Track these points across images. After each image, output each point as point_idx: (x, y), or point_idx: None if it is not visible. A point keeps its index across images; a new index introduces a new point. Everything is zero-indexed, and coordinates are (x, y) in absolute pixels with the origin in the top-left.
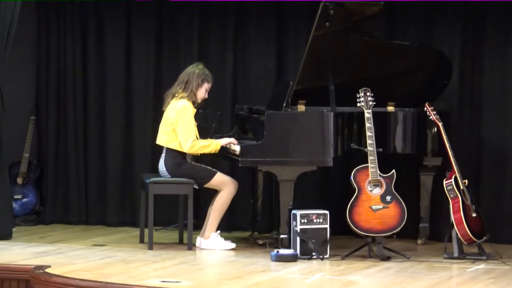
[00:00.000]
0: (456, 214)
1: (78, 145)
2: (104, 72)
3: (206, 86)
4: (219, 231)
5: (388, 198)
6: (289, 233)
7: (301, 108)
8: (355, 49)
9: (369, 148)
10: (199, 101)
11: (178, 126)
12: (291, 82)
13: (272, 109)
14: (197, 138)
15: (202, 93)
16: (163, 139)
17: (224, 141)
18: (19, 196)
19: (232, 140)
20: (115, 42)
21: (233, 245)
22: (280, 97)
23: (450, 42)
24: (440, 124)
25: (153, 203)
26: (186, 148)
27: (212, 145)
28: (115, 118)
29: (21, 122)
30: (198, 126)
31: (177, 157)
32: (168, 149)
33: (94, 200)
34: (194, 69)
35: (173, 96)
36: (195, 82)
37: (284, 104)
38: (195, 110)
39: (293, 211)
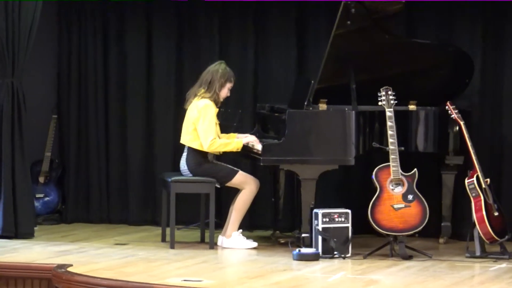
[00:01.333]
0: (478, 213)
1: (100, 144)
2: (125, 71)
3: (229, 85)
4: (240, 230)
5: (410, 197)
6: (310, 232)
7: (323, 106)
8: (376, 47)
9: (391, 146)
10: (222, 100)
11: (199, 124)
12: (312, 81)
13: (293, 108)
14: (218, 137)
15: (224, 92)
16: (186, 138)
17: (247, 139)
18: (41, 195)
19: (254, 138)
20: (136, 41)
21: (255, 244)
22: (301, 96)
23: (471, 40)
24: (461, 122)
25: (174, 202)
26: (205, 146)
27: (233, 144)
28: (137, 117)
29: (43, 121)
30: (219, 125)
31: (198, 156)
32: (190, 148)
33: (115, 198)
34: (217, 68)
35: (195, 96)
36: (218, 82)
37: (306, 103)
38: (217, 109)
39: (315, 210)
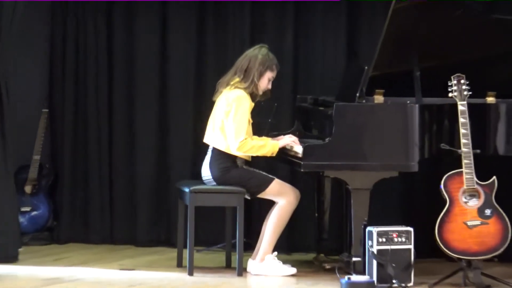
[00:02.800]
0: None
1: (101, 146)
2: (133, 58)
3: (270, 75)
4: (276, 253)
5: (488, 211)
6: (363, 255)
7: (379, 99)
8: (446, 26)
9: (464, 149)
10: (261, 93)
11: (228, 120)
12: (365, 67)
13: (342, 101)
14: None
15: (264, 83)
16: (210, 137)
17: (284, 141)
18: (28, 209)
19: (293, 139)
20: (147, 22)
21: (294, 270)
22: (352, 86)
23: None
24: None
25: (193, 217)
26: (234, 148)
27: (268, 146)
28: (147, 114)
29: (31, 117)
30: (252, 124)
31: (225, 160)
32: (214, 149)
33: (120, 213)
34: (256, 54)
35: (228, 85)
36: (257, 70)
37: (358, 94)
38: (253, 104)
39: (368, 228)
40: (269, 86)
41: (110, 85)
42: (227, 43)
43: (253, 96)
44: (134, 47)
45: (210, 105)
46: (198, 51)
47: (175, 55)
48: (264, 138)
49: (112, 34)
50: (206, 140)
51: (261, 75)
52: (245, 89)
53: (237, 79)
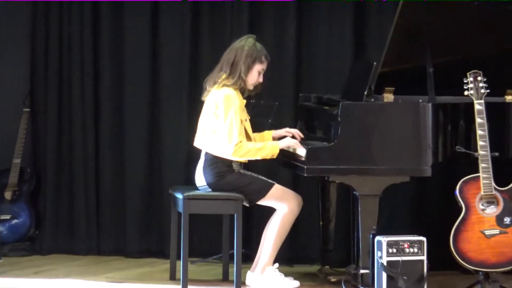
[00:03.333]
0: None
1: (87, 148)
2: (122, 53)
3: (259, 67)
4: (277, 264)
5: (507, 220)
6: (372, 267)
7: (389, 97)
8: (461, 18)
9: (481, 151)
10: (251, 87)
11: (218, 123)
12: (374, 63)
13: (349, 99)
14: (251, 139)
15: (253, 77)
16: (201, 141)
17: (285, 142)
18: (8, 217)
19: (295, 140)
20: (137, 11)
21: (297, 284)
22: (359, 83)
23: None
24: None
25: (188, 225)
26: (228, 153)
27: (267, 148)
28: (137, 113)
29: (11, 117)
30: (251, 121)
31: (220, 164)
32: (207, 154)
33: (108, 222)
34: (242, 45)
35: (215, 83)
36: (244, 64)
37: (366, 92)
38: (245, 101)
39: (378, 237)
40: (260, 80)
41: (97, 83)
42: (223, 38)
43: (243, 92)
44: (122, 43)
45: (202, 106)
46: (192, 44)
47: (168, 47)
48: (266, 132)
49: (98, 28)
50: (197, 144)
51: (249, 68)
52: (232, 85)
53: (224, 76)
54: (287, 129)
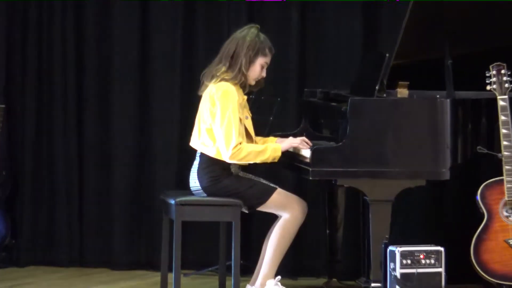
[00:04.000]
0: None
1: (69, 149)
2: (109, 46)
3: (262, 60)
4: (279, 277)
5: None
6: (384, 281)
7: (403, 92)
8: (482, 5)
9: (505, 152)
10: (253, 83)
11: (215, 122)
12: (387, 54)
13: (358, 94)
14: (252, 139)
15: (255, 71)
16: (197, 141)
17: (287, 143)
18: None
19: (299, 141)
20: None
21: None
22: (370, 77)
23: None
24: None
25: (180, 234)
26: (226, 155)
27: (268, 151)
28: (125, 110)
29: None
30: (252, 120)
31: (216, 167)
32: (203, 155)
33: (92, 230)
34: (244, 35)
35: (213, 77)
36: (245, 56)
37: (377, 87)
38: (245, 97)
39: (390, 247)
40: (264, 74)
41: (80, 78)
42: (221, 30)
43: (243, 87)
44: (109, 34)
45: (199, 102)
46: (186, 34)
47: (160, 38)
48: (270, 138)
49: (82, 18)
50: (192, 144)
51: (250, 62)
52: (232, 80)
53: (223, 69)
54: (291, 138)
